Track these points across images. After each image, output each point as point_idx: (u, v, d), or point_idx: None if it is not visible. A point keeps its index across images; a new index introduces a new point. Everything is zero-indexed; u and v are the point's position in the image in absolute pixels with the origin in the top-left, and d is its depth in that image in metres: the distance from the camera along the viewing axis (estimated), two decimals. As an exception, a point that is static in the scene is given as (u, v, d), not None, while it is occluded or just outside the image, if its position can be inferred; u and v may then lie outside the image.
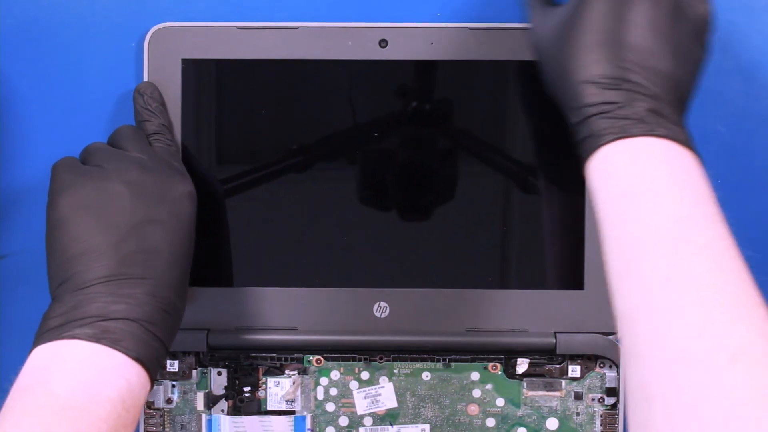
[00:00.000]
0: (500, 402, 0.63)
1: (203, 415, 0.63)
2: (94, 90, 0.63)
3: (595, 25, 0.51)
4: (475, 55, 0.61)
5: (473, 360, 0.63)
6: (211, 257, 0.62)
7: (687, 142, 0.50)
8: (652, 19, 0.51)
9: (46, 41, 0.63)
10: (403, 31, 0.61)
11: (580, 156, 0.51)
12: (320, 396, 0.63)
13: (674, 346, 0.43)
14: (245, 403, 0.63)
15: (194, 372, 0.63)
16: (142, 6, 0.63)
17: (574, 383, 0.63)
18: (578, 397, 0.63)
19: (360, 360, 0.63)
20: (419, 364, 0.63)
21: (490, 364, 0.63)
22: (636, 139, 0.49)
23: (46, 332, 0.50)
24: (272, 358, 0.63)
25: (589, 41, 0.51)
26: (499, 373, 0.63)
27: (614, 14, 0.51)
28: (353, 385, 0.63)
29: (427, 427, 0.63)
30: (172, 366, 0.63)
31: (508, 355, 0.63)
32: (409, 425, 0.63)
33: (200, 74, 0.62)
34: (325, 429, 0.63)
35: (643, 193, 0.47)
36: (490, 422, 0.63)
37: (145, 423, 0.63)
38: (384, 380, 0.63)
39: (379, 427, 0.63)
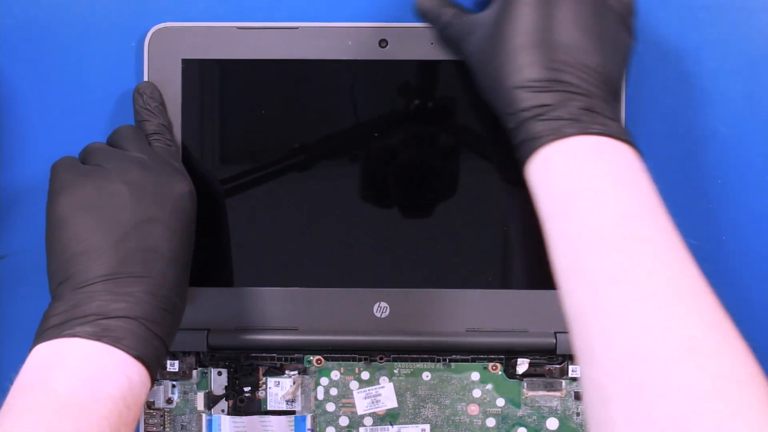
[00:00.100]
0: (500, 402, 0.63)
1: (203, 415, 0.63)
2: (94, 90, 0.63)
3: (521, 28, 0.52)
4: (475, 55, 0.61)
5: (473, 360, 0.63)
6: (212, 257, 0.62)
7: (623, 135, 0.50)
8: (576, 16, 0.52)
9: (46, 41, 0.63)
10: (403, 31, 0.61)
11: (519, 160, 0.51)
12: (320, 396, 0.63)
13: (626, 345, 0.43)
14: (245, 403, 0.63)
15: (194, 372, 0.63)
16: (142, 6, 0.63)
17: (574, 383, 0.63)
18: (578, 397, 0.63)
19: (360, 360, 0.63)
20: (419, 364, 0.63)
21: (491, 364, 0.63)
22: (571, 138, 0.49)
23: (46, 330, 0.50)
24: (272, 358, 0.63)
25: (518, 45, 0.51)
26: (500, 373, 0.63)
27: (539, 15, 0.51)
28: (353, 385, 0.63)
29: (427, 427, 0.63)
30: (172, 366, 0.63)
31: (508, 355, 0.63)
32: (410, 425, 0.63)
33: (200, 74, 0.62)
34: (325, 429, 0.63)
35: (582, 192, 0.48)
36: (491, 422, 0.63)
37: (145, 423, 0.63)
38: (384, 380, 0.63)
39: (379, 427, 0.63)
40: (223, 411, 0.63)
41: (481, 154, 0.62)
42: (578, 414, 0.63)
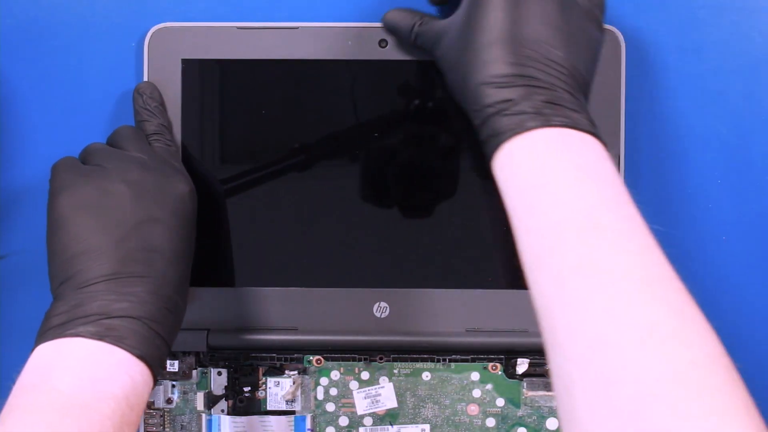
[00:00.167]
0: (500, 402, 0.63)
1: (203, 415, 0.63)
2: (94, 90, 0.63)
3: (487, 26, 0.52)
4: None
5: (473, 360, 0.63)
6: (212, 257, 0.62)
7: (587, 127, 0.50)
8: (542, 12, 0.52)
9: (46, 41, 0.63)
10: (403, 32, 0.61)
11: (485, 156, 0.51)
12: (320, 396, 0.63)
13: (589, 333, 0.43)
14: (245, 403, 0.63)
15: (194, 372, 0.63)
16: (142, 6, 0.63)
17: (574, 383, 0.63)
18: (578, 396, 0.63)
19: (360, 360, 0.63)
20: (419, 364, 0.63)
21: (490, 364, 0.63)
22: (534, 131, 0.49)
23: (48, 330, 0.50)
24: (272, 358, 0.63)
25: (484, 42, 0.52)
26: (499, 373, 0.63)
27: (505, 13, 0.52)
28: (353, 385, 0.63)
29: (427, 427, 0.63)
30: (172, 366, 0.63)
31: (508, 355, 0.63)
32: (409, 425, 0.63)
33: (200, 74, 0.62)
34: (325, 429, 0.63)
35: (545, 186, 0.48)
36: (490, 422, 0.63)
37: (145, 423, 0.63)
38: (384, 380, 0.63)
39: (379, 427, 0.63)
40: (222, 411, 0.63)
41: (481, 154, 0.62)
42: (578, 414, 0.63)
